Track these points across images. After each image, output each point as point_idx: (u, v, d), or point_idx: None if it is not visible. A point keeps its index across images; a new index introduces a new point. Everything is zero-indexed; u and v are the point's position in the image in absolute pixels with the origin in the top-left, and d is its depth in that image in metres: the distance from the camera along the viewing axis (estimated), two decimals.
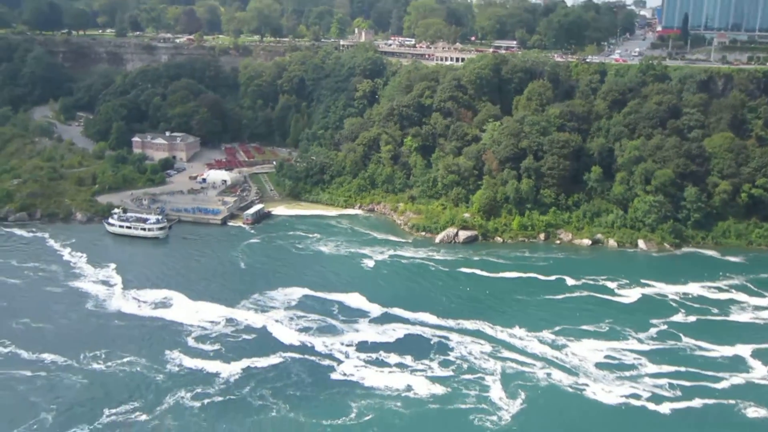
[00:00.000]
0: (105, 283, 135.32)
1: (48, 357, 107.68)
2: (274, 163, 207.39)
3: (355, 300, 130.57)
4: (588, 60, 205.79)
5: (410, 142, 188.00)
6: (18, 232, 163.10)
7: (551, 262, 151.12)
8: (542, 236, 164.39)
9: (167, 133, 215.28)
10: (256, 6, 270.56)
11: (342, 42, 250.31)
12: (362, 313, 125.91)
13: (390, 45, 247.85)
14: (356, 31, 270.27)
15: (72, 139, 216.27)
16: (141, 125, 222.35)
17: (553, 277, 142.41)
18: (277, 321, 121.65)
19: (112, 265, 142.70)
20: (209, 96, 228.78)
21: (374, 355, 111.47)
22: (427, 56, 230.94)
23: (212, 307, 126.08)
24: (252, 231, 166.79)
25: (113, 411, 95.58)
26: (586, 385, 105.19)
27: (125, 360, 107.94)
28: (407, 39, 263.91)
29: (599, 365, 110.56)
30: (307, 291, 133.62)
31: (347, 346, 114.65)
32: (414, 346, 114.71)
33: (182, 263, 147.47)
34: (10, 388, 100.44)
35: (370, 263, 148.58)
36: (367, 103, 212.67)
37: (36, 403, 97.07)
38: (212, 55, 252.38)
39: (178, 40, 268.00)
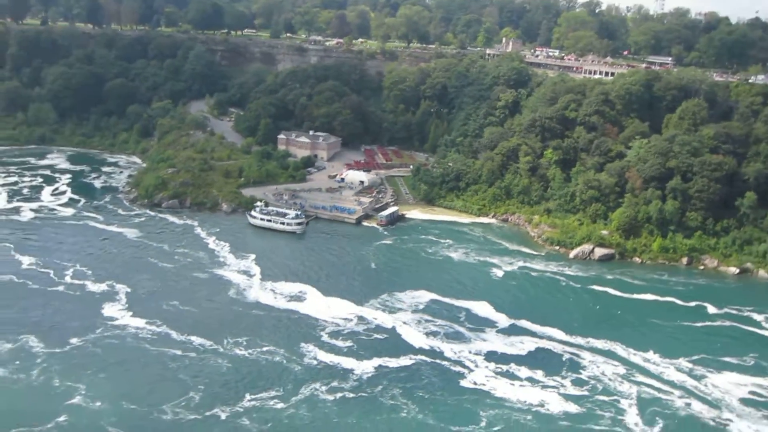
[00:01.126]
0: (245, 273, 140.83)
1: (195, 339, 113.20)
2: (411, 167, 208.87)
3: (482, 308, 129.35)
4: (751, 81, 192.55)
5: (550, 154, 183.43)
6: (171, 218, 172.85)
7: (692, 287, 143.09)
8: (684, 260, 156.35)
9: (311, 132, 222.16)
10: (406, 12, 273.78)
11: (488, 51, 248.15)
12: (489, 323, 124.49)
13: (537, 56, 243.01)
14: (503, 40, 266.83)
15: (223, 134, 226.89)
16: (287, 123, 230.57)
17: (693, 304, 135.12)
18: (404, 323, 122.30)
19: (252, 256, 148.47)
20: (353, 98, 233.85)
21: (504, 367, 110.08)
22: (574, 69, 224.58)
23: (343, 303, 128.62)
24: (385, 232, 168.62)
25: (253, 396, 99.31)
26: (730, 420, 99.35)
27: (265, 349, 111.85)
28: (555, 51, 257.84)
29: (744, 401, 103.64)
30: (434, 296, 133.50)
31: (476, 354, 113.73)
32: (545, 361, 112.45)
33: (316, 259, 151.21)
34: (162, 364, 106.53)
35: (500, 273, 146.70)
36: (508, 113, 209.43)
37: (184, 380, 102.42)
38: (359, 59, 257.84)
39: (328, 43, 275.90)
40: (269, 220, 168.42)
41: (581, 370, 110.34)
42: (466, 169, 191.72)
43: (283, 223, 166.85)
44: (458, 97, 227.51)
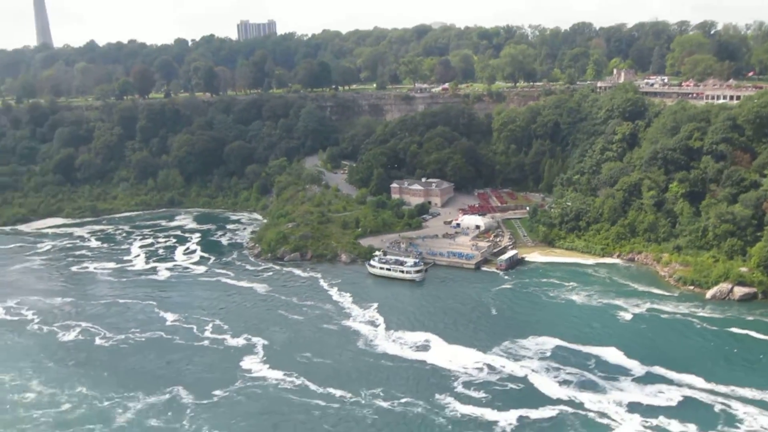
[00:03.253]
0: (370, 323, 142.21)
1: (333, 390, 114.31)
2: (527, 208, 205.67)
3: (612, 355, 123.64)
4: None
5: (676, 187, 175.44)
6: (295, 271, 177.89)
7: None
8: None
9: (423, 179, 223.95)
10: (510, 52, 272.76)
11: (599, 84, 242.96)
12: (622, 370, 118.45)
13: (652, 85, 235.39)
14: (614, 71, 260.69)
15: (337, 186, 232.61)
16: (399, 172, 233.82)
17: None
18: (533, 371, 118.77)
19: (375, 305, 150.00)
20: (463, 142, 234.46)
21: (653, 420, 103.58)
22: (694, 95, 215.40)
23: (467, 352, 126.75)
24: (505, 277, 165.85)
25: None
26: None
27: (403, 400, 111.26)
28: (669, 77, 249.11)
29: None
30: (559, 341, 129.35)
31: (617, 405, 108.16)
32: (695, 413, 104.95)
33: (437, 306, 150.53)
34: (307, 414, 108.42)
35: (627, 316, 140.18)
36: (626, 146, 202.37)
37: (329, 431, 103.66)
38: (466, 103, 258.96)
39: (433, 90, 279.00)
40: (388, 269, 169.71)
41: (738, 424, 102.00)
42: (586, 208, 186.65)
43: (402, 271, 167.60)
44: (571, 133, 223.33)
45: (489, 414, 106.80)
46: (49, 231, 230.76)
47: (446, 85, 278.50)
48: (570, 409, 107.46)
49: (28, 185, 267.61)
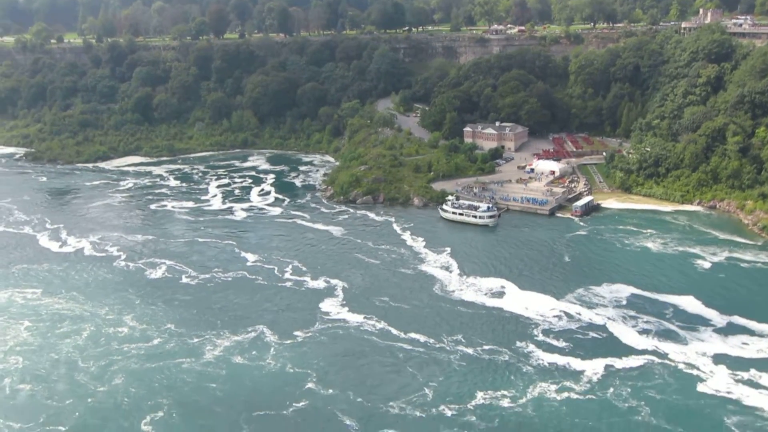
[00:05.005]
0: (444, 268, 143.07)
1: (414, 335, 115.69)
2: (604, 154, 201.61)
3: (689, 304, 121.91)
4: None
5: (763, 132, 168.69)
6: (369, 214, 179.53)
7: None
8: None
9: (497, 123, 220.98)
10: None
11: (683, 24, 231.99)
12: (701, 320, 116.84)
13: (740, 25, 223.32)
14: (700, 11, 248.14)
15: (410, 129, 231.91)
16: (472, 116, 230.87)
17: None
18: (610, 319, 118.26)
19: (447, 250, 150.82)
20: (539, 86, 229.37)
21: (743, 374, 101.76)
22: None
23: (542, 298, 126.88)
24: (580, 223, 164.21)
25: (484, 395, 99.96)
26: None
27: (486, 347, 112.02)
28: (758, 17, 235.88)
29: None
30: (634, 289, 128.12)
31: (702, 356, 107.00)
32: None
33: (510, 252, 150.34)
34: (392, 356, 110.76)
35: (705, 264, 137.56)
36: (711, 90, 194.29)
37: (415, 375, 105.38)
38: (543, 45, 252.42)
39: (509, 32, 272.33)
40: (461, 214, 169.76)
41: None
42: (666, 154, 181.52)
43: (475, 216, 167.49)
44: (652, 76, 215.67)
45: (574, 363, 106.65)
46: (131, 169, 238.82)
47: (523, 27, 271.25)
48: (656, 359, 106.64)
49: (108, 123, 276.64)
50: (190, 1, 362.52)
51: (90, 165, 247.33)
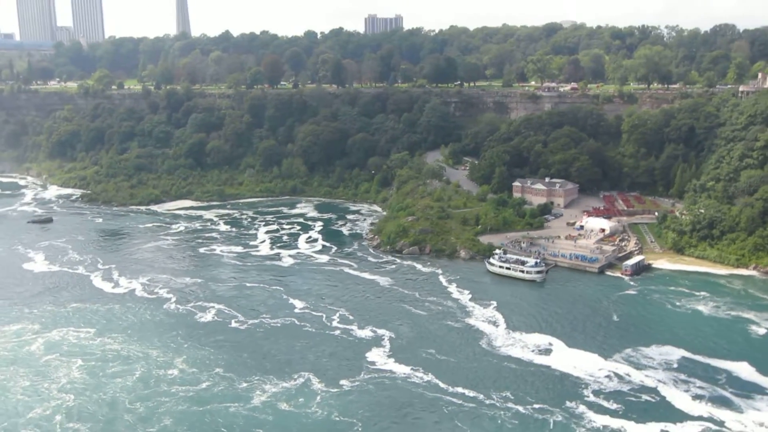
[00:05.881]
0: (491, 322, 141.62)
1: (462, 390, 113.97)
2: (656, 213, 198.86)
3: (744, 370, 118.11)
4: None
5: None
6: (416, 265, 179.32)
7: None
8: None
9: (546, 179, 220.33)
10: (645, 53, 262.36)
11: (741, 88, 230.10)
12: (757, 388, 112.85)
13: None
14: (759, 75, 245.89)
15: (458, 182, 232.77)
16: (521, 171, 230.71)
17: None
18: (661, 382, 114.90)
19: (494, 304, 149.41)
20: (590, 143, 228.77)
21: None
22: None
23: (589, 356, 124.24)
24: (630, 282, 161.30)
25: None
26: None
27: (536, 406, 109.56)
28: None
29: None
30: (684, 352, 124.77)
31: (759, 425, 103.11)
32: None
33: (558, 308, 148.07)
34: (438, 410, 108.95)
35: (760, 331, 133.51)
36: None
37: (465, 430, 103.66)
38: (595, 103, 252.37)
39: (561, 89, 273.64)
40: (508, 268, 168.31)
41: None
42: (721, 216, 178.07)
43: (522, 271, 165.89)
44: (708, 138, 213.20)
45: (628, 426, 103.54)
46: (182, 213, 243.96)
47: (575, 85, 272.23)
48: (712, 426, 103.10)
49: (162, 167, 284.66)
50: (246, 52, 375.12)
51: (143, 207, 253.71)
